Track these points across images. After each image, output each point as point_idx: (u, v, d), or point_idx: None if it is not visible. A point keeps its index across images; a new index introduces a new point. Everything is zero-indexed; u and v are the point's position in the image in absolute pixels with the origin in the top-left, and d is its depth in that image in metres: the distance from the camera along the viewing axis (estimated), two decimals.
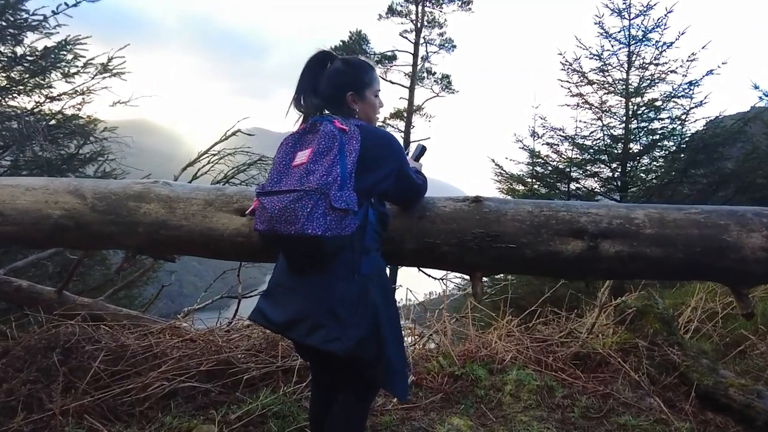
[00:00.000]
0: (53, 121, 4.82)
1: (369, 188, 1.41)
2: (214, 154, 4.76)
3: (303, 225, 1.22)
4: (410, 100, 18.29)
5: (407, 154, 1.83)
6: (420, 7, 18.04)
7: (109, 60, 4.83)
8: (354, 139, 1.35)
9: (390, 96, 19.05)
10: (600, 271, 1.74)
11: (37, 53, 4.50)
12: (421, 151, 1.89)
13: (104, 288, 4.70)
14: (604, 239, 1.69)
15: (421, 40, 18.34)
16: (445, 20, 18.51)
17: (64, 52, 4.78)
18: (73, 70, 4.92)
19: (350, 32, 17.90)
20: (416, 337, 3.23)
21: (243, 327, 2.95)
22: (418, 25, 18.15)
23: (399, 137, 18.19)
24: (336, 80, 1.50)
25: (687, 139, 7.60)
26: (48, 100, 4.76)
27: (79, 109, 5.06)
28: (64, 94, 4.79)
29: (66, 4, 4.40)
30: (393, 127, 18.49)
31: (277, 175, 1.35)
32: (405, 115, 18.25)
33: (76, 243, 2.15)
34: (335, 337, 1.28)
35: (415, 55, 18.27)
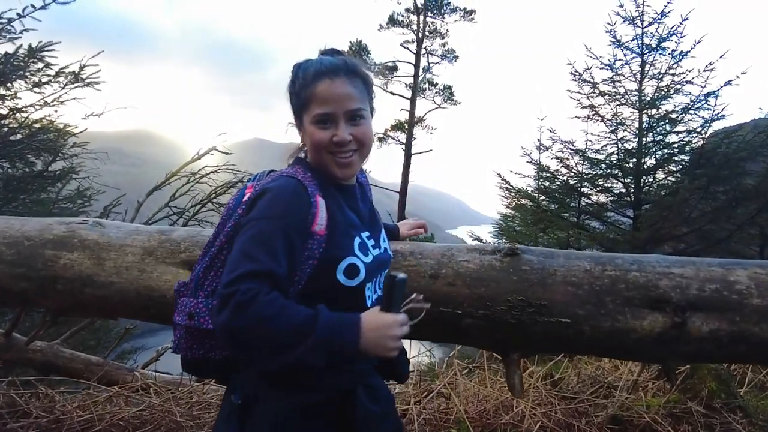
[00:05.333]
0: (18, 136, 4.35)
1: None
2: (188, 175, 4.28)
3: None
4: (411, 111, 17.90)
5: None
6: (422, 18, 17.72)
7: (82, 68, 4.35)
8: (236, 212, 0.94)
9: (391, 108, 18.64)
10: (685, 354, 1.24)
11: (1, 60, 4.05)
12: (397, 289, 0.88)
13: (72, 322, 4.16)
14: (695, 312, 1.20)
15: (423, 51, 18.03)
16: (447, 30, 18.25)
17: (34, 60, 4.33)
18: (44, 79, 4.47)
19: (350, 42, 17.53)
20: (423, 393, 2.72)
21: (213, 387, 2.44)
22: (420, 35, 17.83)
23: (400, 150, 17.69)
24: None
25: (705, 151, 7.13)
26: (12, 112, 4.30)
27: (51, 122, 4.60)
28: (30, 105, 4.33)
29: (33, 6, 3.97)
30: (394, 139, 18.05)
31: None
32: (406, 127, 17.82)
33: None
34: None
35: (416, 65, 17.93)
